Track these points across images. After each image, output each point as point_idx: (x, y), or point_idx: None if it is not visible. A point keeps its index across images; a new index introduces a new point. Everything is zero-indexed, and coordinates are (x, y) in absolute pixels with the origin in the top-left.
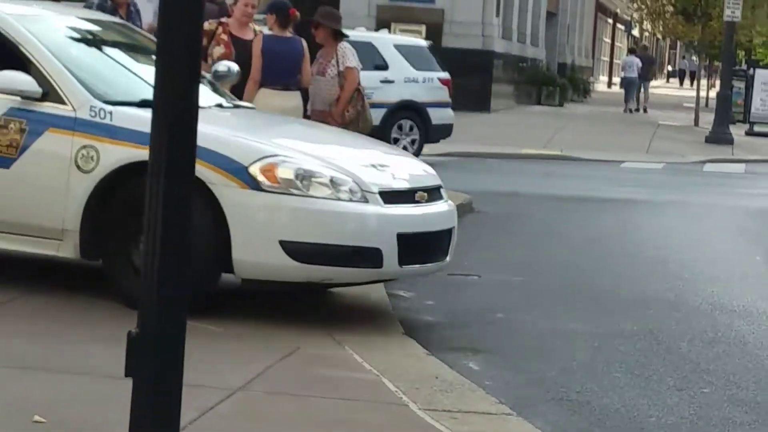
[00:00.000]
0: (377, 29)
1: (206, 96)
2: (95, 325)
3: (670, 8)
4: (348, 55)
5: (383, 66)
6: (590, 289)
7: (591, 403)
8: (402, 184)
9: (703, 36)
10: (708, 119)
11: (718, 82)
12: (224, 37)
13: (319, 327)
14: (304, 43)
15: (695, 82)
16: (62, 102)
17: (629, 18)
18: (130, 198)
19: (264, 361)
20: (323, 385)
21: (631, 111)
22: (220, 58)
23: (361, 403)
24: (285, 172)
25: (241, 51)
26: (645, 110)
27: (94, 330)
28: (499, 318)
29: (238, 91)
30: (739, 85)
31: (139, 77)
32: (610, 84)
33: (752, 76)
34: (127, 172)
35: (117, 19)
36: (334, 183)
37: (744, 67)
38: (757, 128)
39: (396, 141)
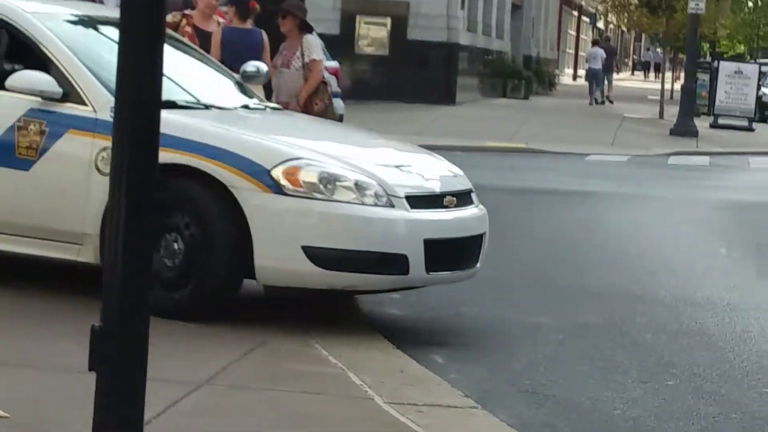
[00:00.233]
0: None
1: (232, 97)
2: (64, 321)
3: (635, 0)
4: (313, 48)
5: None
6: (555, 282)
7: (556, 396)
8: (430, 189)
9: (667, 28)
10: (673, 112)
11: (682, 75)
12: (188, 29)
13: (284, 321)
14: (265, 35)
15: (660, 75)
16: (83, 103)
17: (594, 10)
18: None
19: (229, 355)
20: (288, 379)
21: (596, 101)
22: None
23: (326, 397)
24: (308, 176)
25: (204, 43)
26: (611, 101)
27: (64, 325)
28: (464, 311)
29: None
30: (703, 77)
31: None
32: (575, 77)
33: (717, 69)
34: None
35: None
36: (359, 187)
37: (708, 59)
38: (721, 121)
39: None
